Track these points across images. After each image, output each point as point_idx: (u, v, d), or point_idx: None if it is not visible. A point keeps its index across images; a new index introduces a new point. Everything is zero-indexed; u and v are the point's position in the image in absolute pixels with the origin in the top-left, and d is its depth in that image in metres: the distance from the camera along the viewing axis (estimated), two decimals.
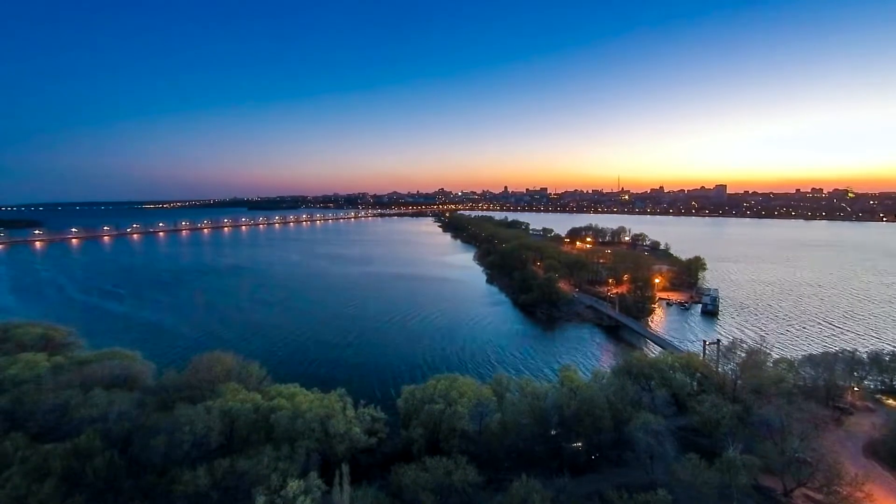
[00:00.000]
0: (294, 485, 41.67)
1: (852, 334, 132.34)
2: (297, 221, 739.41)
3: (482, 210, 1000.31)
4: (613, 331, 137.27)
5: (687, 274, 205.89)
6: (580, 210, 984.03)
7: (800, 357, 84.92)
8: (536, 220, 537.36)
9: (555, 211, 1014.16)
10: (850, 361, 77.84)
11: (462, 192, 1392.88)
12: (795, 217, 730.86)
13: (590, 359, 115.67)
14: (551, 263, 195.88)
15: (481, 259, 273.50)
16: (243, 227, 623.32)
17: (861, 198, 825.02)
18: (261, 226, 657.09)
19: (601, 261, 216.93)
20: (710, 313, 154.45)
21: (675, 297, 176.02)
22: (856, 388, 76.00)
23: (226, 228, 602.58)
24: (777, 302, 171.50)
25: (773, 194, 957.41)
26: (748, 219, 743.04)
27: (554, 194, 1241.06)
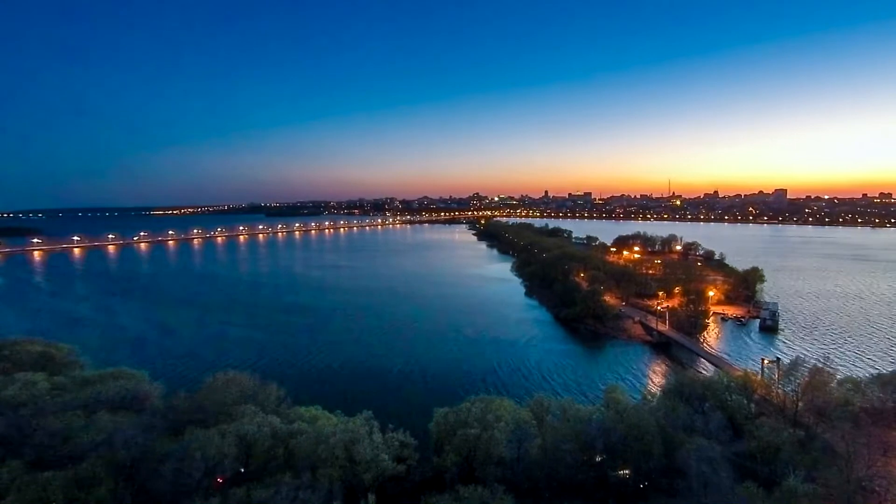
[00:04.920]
0: None
1: None
2: (319, 229, 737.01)
3: (520, 216, 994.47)
4: (663, 348, 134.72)
5: (744, 286, 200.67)
6: (627, 217, 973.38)
7: (867, 377, 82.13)
8: (579, 228, 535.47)
9: (600, 218, 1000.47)
10: None
11: (499, 196, 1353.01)
12: (862, 224, 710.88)
13: (638, 378, 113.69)
14: (596, 275, 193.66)
15: (520, 270, 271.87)
16: (260, 236, 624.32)
17: None
18: (279, 234, 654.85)
19: (650, 272, 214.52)
20: (770, 329, 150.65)
21: (730, 311, 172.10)
22: None
23: (241, 237, 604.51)
24: (843, 316, 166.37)
25: (838, 199, 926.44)
26: (810, 226, 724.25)
27: (599, 199, 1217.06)
